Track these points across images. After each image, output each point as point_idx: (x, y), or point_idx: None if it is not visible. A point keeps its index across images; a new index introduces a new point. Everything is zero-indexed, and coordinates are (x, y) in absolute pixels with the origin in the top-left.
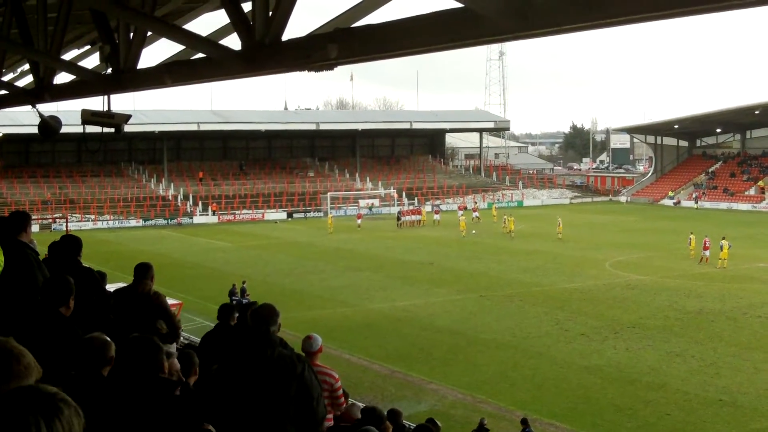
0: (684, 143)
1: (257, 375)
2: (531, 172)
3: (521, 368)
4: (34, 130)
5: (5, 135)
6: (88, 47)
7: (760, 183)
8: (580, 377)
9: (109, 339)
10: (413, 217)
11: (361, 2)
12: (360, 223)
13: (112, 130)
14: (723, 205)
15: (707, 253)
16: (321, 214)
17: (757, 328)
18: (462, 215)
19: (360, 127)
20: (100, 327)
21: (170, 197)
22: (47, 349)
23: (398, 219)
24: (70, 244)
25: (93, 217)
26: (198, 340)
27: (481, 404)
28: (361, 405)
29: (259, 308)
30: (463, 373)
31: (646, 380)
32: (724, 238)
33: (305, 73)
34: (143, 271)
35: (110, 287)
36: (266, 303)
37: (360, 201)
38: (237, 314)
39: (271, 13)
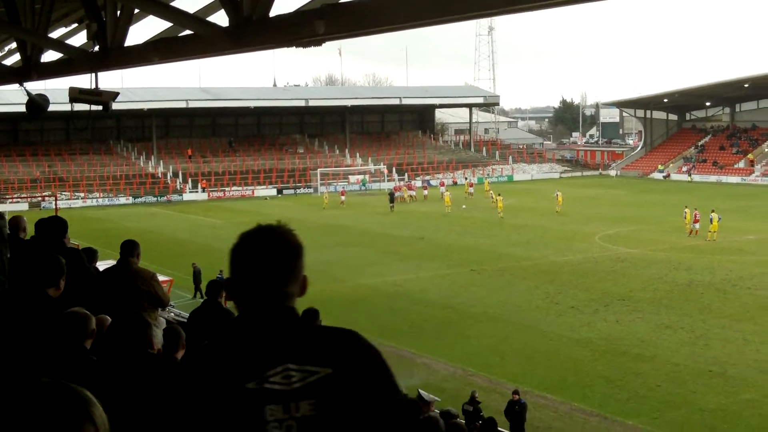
0: (673, 117)
1: None
2: (521, 146)
3: (512, 341)
4: (22, 108)
5: None
6: (75, 25)
7: (750, 156)
8: (570, 350)
9: (89, 313)
10: (410, 192)
11: None
12: (344, 200)
13: (100, 107)
14: (713, 178)
15: (697, 225)
16: (311, 190)
17: (746, 300)
18: (446, 191)
19: (349, 103)
20: (86, 306)
21: (159, 174)
22: (31, 331)
23: (391, 201)
24: (55, 225)
25: (82, 195)
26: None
27: (472, 377)
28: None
29: None
30: (454, 346)
31: (636, 352)
32: (713, 211)
33: (293, 49)
34: (129, 249)
35: (100, 264)
36: None
37: (350, 177)
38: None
39: None
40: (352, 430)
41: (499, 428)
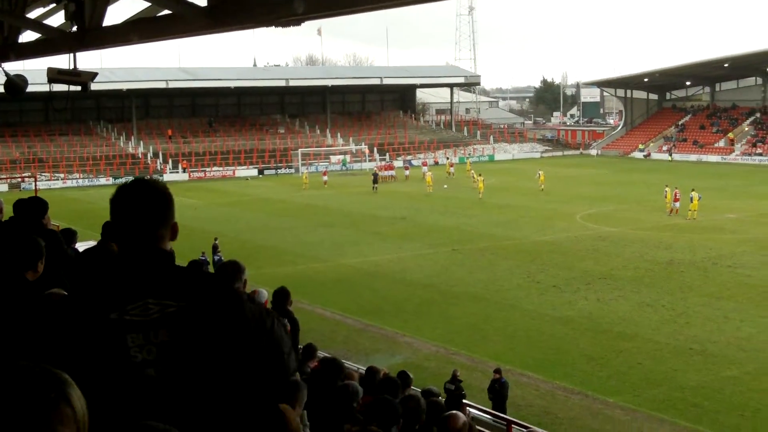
0: (654, 96)
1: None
2: (502, 126)
3: (494, 320)
4: (0, 89)
5: None
6: (53, 5)
7: (730, 135)
8: (552, 328)
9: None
10: (387, 173)
11: None
12: (326, 180)
13: (79, 88)
14: (693, 157)
15: (677, 204)
16: (292, 170)
17: (727, 278)
18: (427, 171)
19: (330, 83)
20: (64, 288)
21: (140, 155)
22: (8, 315)
23: (374, 182)
24: (34, 206)
25: (62, 175)
26: None
27: (455, 356)
28: None
29: (224, 265)
30: (436, 325)
31: (618, 330)
32: (693, 190)
33: (273, 28)
34: (110, 230)
35: (81, 245)
36: (231, 259)
37: (331, 157)
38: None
39: None
40: (203, 352)
41: (469, 402)
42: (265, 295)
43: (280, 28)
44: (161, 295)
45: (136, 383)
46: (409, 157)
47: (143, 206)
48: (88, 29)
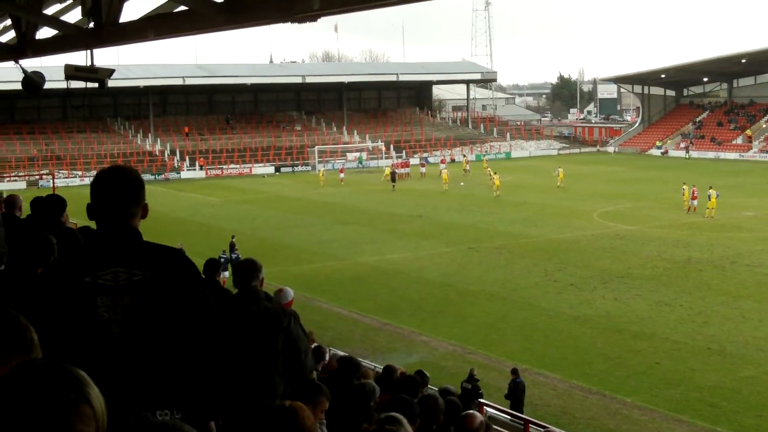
0: (671, 93)
1: (244, 330)
2: (518, 123)
3: (511, 319)
4: (18, 86)
5: None
6: (70, 1)
7: (748, 132)
8: (569, 327)
9: None
10: (402, 170)
11: None
12: (342, 178)
13: (96, 84)
14: (710, 155)
15: (695, 202)
16: (309, 168)
17: (745, 277)
18: (444, 168)
19: (346, 79)
20: None
21: (157, 152)
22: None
23: (393, 180)
24: (53, 204)
25: (80, 173)
26: None
27: (471, 355)
28: None
29: (241, 263)
30: (453, 324)
31: (635, 329)
32: (711, 188)
33: (289, 25)
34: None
35: None
36: (248, 258)
37: (348, 154)
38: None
39: None
40: (161, 315)
41: (486, 401)
42: (291, 293)
43: (296, 25)
44: (130, 265)
45: (101, 338)
46: (425, 155)
47: (117, 188)
48: (105, 25)
